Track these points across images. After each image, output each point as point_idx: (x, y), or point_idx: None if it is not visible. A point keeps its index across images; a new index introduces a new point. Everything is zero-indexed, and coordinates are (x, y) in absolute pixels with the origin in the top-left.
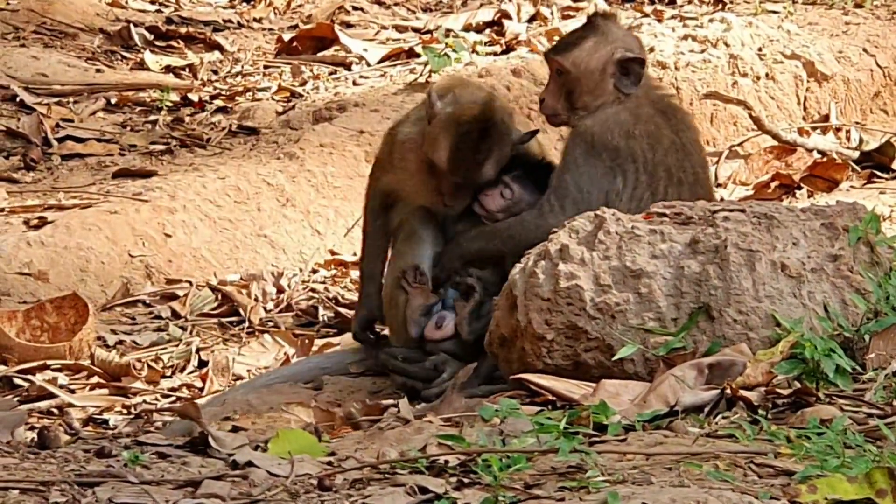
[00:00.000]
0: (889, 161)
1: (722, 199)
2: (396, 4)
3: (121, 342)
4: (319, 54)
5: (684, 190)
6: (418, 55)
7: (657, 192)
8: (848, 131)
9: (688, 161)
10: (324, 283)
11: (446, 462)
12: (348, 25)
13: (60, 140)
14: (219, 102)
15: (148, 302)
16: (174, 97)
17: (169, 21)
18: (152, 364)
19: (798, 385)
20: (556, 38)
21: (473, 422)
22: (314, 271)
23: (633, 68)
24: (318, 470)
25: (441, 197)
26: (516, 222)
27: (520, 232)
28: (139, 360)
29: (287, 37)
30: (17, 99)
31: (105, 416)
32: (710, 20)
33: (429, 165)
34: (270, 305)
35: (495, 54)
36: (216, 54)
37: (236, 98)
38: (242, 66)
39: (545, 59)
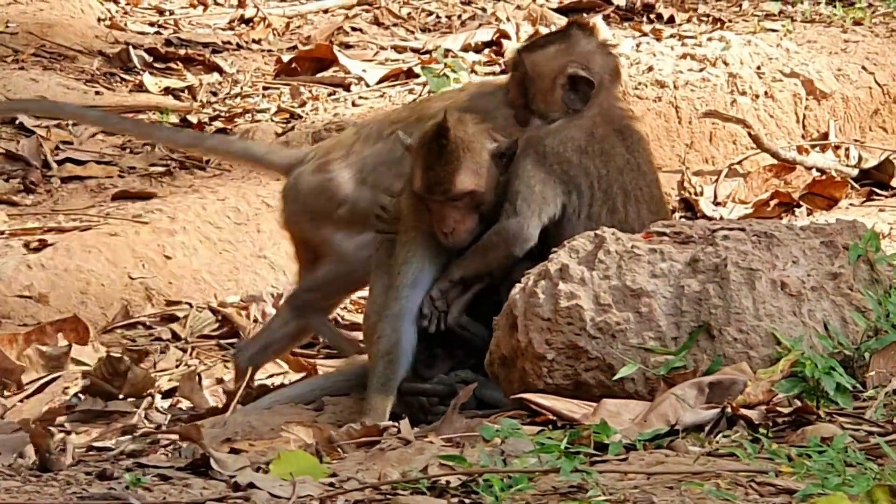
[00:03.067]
0: (888, 178)
1: (721, 218)
2: (395, 25)
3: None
4: (318, 75)
5: (643, 207)
6: (417, 75)
7: (615, 210)
8: (847, 149)
9: (643, 179)
10: None
11: (448, 482)
12: (347, 46)
13: (60, 162)
14: (218, 124)
15: (148, 324)
16: (173, 119)
17: (168, 43)
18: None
19: (799, 403)
20: None
21: (474, 442)
22: None
23: (580, 86)
24: (319, 491)
25: (440, 231)
26: (486, 238)
27: (491, 245)
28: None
29: (286, 58)
30: (17, 122)
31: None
32: (709, 39)
33: (420, 202)
34: None
35: (494, 74)
36: (215, 76)
37: (235, 119)
38: (241, 88)
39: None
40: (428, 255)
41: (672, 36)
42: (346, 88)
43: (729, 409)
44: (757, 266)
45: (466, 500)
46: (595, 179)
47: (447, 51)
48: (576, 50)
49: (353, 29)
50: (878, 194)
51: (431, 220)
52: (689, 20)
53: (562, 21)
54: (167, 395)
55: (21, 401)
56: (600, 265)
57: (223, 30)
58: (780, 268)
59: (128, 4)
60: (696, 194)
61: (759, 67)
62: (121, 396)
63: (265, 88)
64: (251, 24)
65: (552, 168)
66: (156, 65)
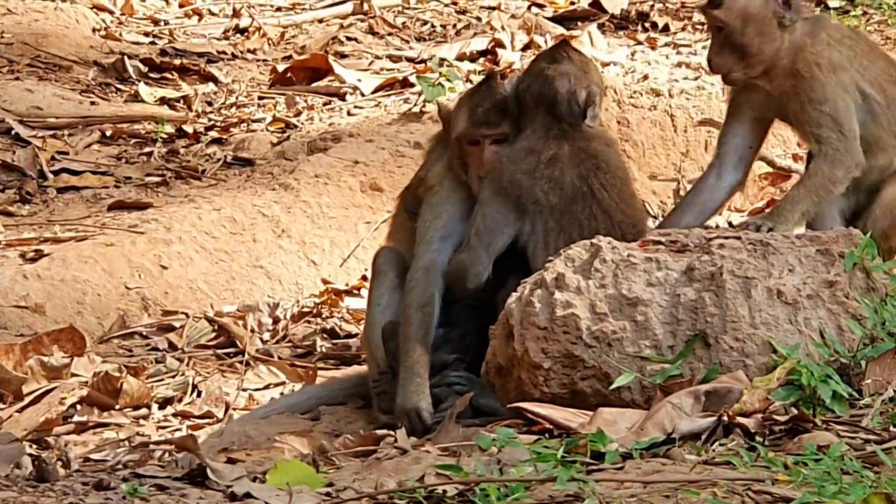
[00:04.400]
0: None
1: (717, 227)
2: (390, 34)
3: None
4: (314, 85)
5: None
6: (412, 85)
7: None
8: None
9: (598, 207)
10: (320, 314)
11: (444, 492)
12: (342, 56)
13: (56, 173)
14: (213, 134)
15: (145, 334)
16: (169, 129)
17: (163, 53)
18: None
19: (795, 411)
20: None
21: (471, 451)
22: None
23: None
24: (316, 501)
25: (478, 176)
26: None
27: (449, 277)
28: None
29: (281, 67)
30: (13, 132)
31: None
32: (704, 47)
33: (458, 157)
34: (267, 336)
35: None
36: (210, 86)
37: (231, 129)
38: (237, 98)
39: (703, 14)
40: (456, 210)
41: (667, 44)
42: (342, 98)
43: (725, 418)
44: (753, 274)
45: None
46: (546, 208)
47: (442, 60)
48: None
49: (349, 38)
50: None
51: (465, 169)
52: (683, 29)
53: (557, 30)
54: (164, 405)
55: (18, 411)
56: (596, 274)
57: (218, 40)
58: (776, 276)
59: (123, 14)
60: None
61: None
62: (117, 407)
63: (260, 98)
64: (246, 33)
65: (508, 194)
66: (151, 75)
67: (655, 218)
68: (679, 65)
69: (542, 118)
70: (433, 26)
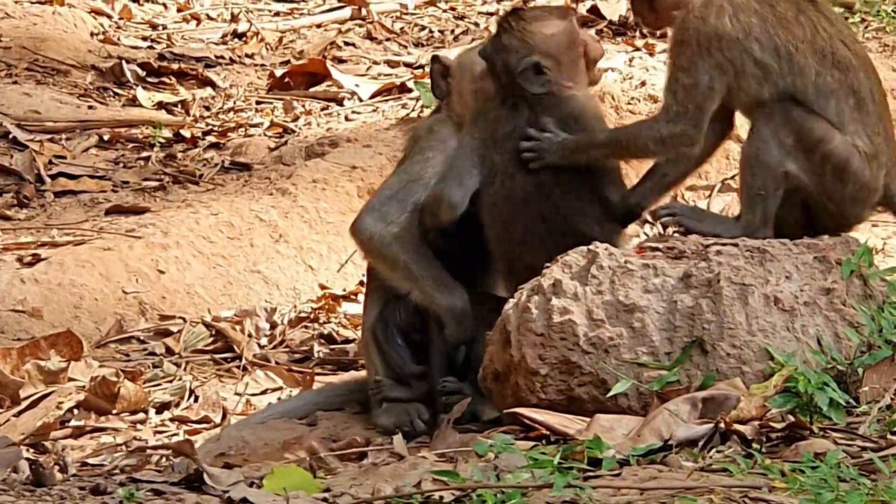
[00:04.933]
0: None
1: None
2: (388, 39)
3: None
4: (311, 90)
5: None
6: (410, 90)
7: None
8: None
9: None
10: (317, 319)
11: (441, 498)
12: (340, 61)
13: (53, 177)
14: (211, 138)
15: (142, 338)
16: (167, 133)
17: (161, 57)
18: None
19: (792, 419)
20: None
21: (468, 457)
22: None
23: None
24: None
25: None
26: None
27: (427, 208)
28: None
29: (279, 72)
30: (10, 136)
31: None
32: None
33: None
34: (264, 341)
35: None
36: (208, 90)
37: (229, 134)
38: (234, 102)
39: None
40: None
41: (665, 51)
42: (339, 103)
43: (722, 425)
44: (750, 281)
45: None
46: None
47: None
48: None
49: (346, 44)
50: None
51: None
52: None
53: None
54: (161, 410)
55: (15, 415)
56: (593, 280)
57: (216, 44)
58: (774, 283)
59: (121, 19)
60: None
61: None
62: (114, 412)
63: (258, 103)
64: (244, 38)
65: (474, 148)
66: (149, 79)
67: (653, 225)
68: None
69: (498, 90)
70: (431, 32)
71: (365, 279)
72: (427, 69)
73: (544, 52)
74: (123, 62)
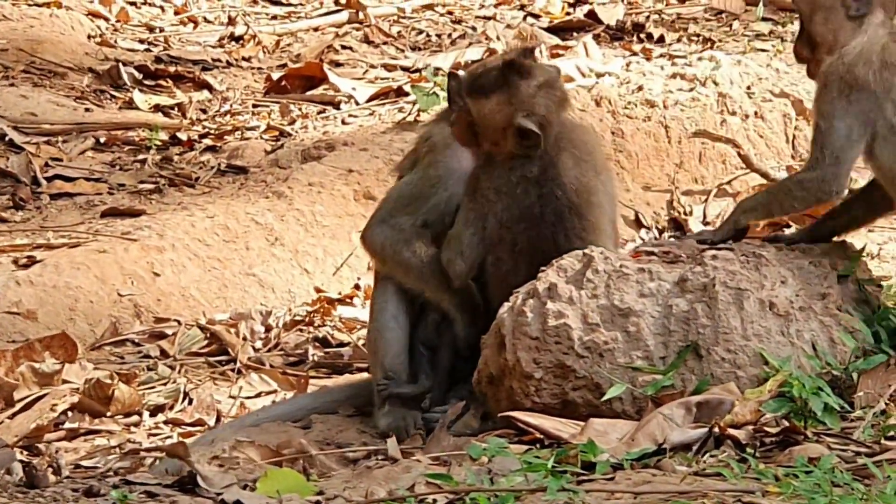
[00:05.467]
0: None
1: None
2: (385, 43)
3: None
4: (308, 93)
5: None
6: (407, 94)
7: (501, 260)
8: None
9: (546, 230)
10: (312, 322)
11: (434, 501)
12: (337, 64)
13: (49, 179)
14: (207, 141)
15: (137, 341)
16: (163, 136)
17: (158, 60)
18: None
19: (786, 423)
20: None
21: (462, 461)
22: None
23: (530, 135)
24: None
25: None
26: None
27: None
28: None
29: (276, 76)
30: (7, 138)
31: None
32: (699, 59)
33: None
34: (259, 344)
35: None
36: (205, 93)
37: (225, 137)
38: (231, 105)
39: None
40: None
41: (662, 55)
42: (336, 106)
43: (716, 429)
44: (745, 286)
45: None
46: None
47: (437, 69)
48: (518, 98)
49: (344, 47)
50: None
51: (478, 141)
52: (679, 40)
53: (553, 40)
54: (155, 412)
55: (9, 417)
56: (588, 284)
57: (213, 47)
58: (769, 288)
59: (118, 21)
60: (685, 214)
61: (748, 87)
62: (108, 414)
63: (255, 106)
64: (241, 41)
65: (479, 203)
66: (146, 82)
67: (649, 229)
68: (674, 76)
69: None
70: (428, 35)
71: (371, 278)
72: (423, 73)
73: (529, 108)
74: (120, 65)
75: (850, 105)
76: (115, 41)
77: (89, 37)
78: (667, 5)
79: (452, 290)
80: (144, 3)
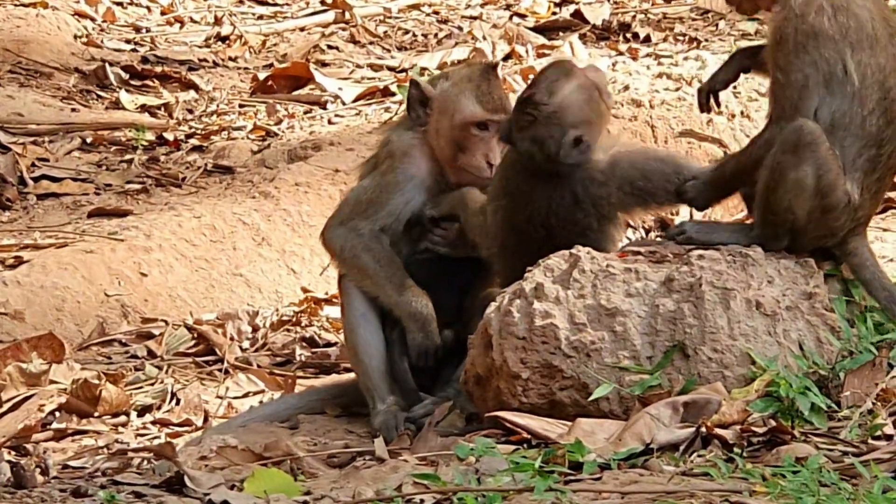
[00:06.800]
0: None
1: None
2: (371, 43)
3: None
4: (294, 93)
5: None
6: (393, 94)
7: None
8: None
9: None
10: (300, 322)
11: (422, 501)
12: (323, 64)
13: (36, 179)
14: (194, 141)
15: (124, 341)
16: (150, 136)
17: (144, 60)
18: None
19: (773, 423)
20: (531, 76)
21: (449, 460)
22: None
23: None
24: None
25: (484, 160)
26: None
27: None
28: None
29: (262, 76)
30: None
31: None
32: (685, 58)
33: (452, 141)
34: (246, 344)
35: None
36: (191, 93)
37: (211, 137)
38: (218, 105)
39: None
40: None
41: (648, 55)
42: (323, 106)
43: (703, 429)
44: (732, 286)
45: None
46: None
47: (423, 69)
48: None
49: (330, 47)
50: None
51: (455, 156)
52: (665, 39)
53: (539, 40)
54: (143, 413)
55: None
56: (575, 284)
57: (200, 47)
58: (755, 287)
59: (104, 21)
60: (671, 213)
61: (734, 87)
62: (96, 415)
63: (241, 106)
64: (228, 41)
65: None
66: (132, 82)
67: (635, 229)
68: (660, 75)
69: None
70: (415, 35)
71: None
72: (410, 73)
73: (576, 122)
74: (107, 65)
75: (807, 55)
76: (102, 41)
77: (76, 37)
78: (653, 5)
79: (405, 299)
80: (131, 4)
